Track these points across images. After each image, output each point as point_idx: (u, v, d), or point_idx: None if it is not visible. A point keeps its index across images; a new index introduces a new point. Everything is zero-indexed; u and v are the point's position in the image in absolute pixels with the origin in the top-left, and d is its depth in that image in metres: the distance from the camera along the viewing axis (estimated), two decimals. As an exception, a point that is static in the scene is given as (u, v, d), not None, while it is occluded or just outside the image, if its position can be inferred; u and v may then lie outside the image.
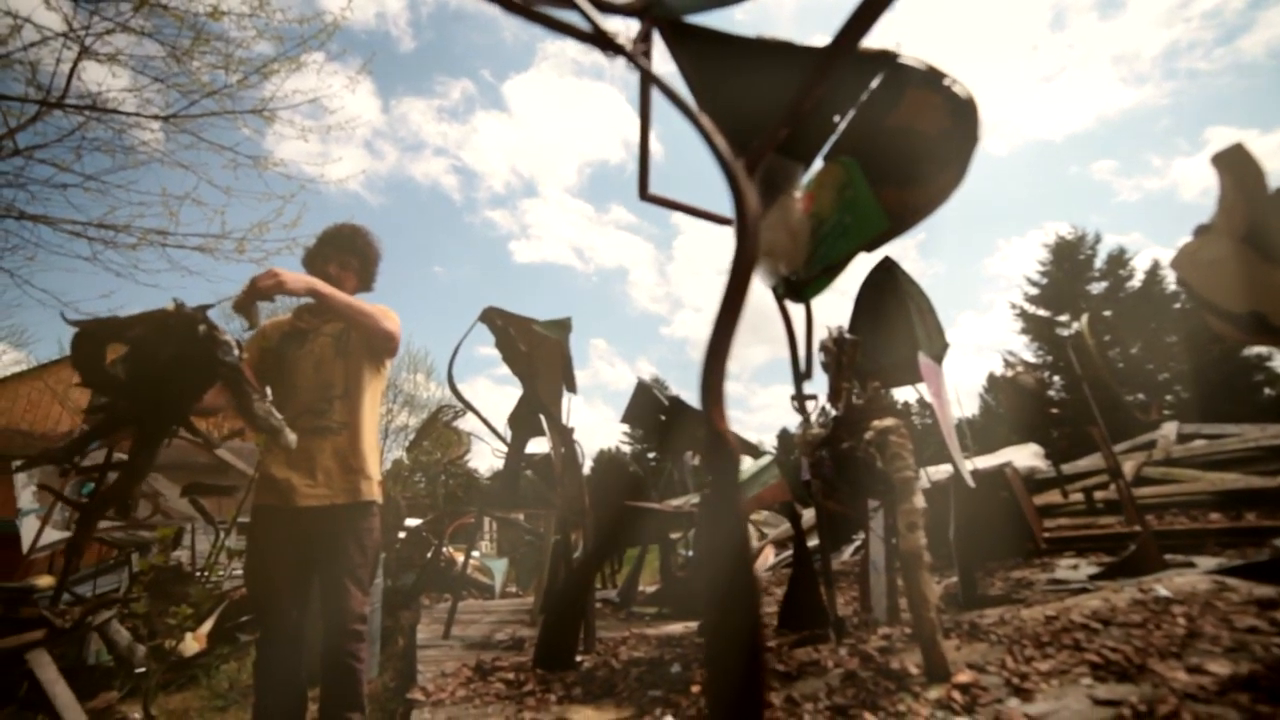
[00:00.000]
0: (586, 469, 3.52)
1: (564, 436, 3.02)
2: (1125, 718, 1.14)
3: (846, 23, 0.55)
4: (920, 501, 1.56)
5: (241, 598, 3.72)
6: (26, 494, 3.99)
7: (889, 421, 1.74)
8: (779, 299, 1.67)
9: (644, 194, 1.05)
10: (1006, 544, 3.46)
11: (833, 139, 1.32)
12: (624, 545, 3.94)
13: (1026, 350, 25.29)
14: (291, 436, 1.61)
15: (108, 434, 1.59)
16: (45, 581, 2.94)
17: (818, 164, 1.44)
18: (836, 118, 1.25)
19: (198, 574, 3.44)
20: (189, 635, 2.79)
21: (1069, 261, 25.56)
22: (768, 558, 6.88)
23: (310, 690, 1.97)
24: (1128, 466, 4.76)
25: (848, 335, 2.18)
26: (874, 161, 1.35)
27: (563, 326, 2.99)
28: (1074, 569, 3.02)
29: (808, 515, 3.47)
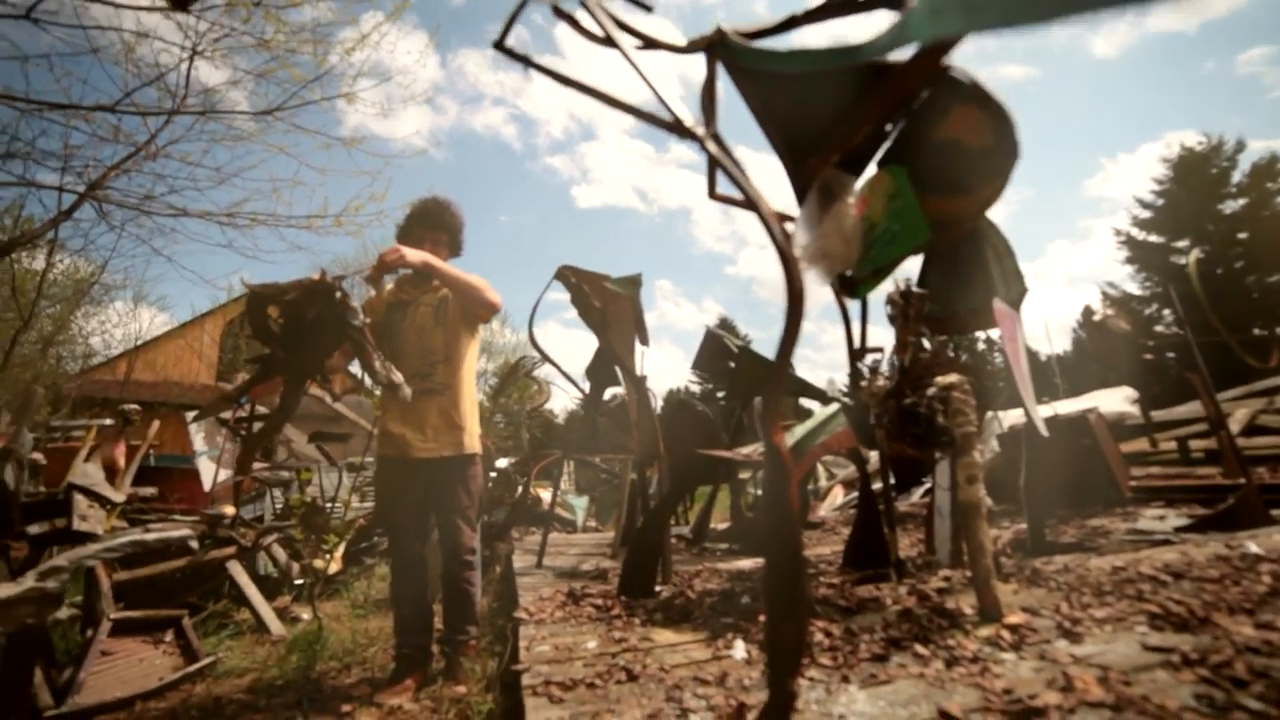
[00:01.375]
0: (657, 410, 3.70)
1: (638, 386, 3.20)
2: (1173, 664, 1.17)
3: (904, 67, 0.62)
4: (979, 456, 1.62)
5: (362, 527, 4.32)
6: (199, 438, 4.79)
7: (952, 378, 1.77)
8: (836, 292, 1.74)
9: (712, 194, 1.13)
10: (1086, 492, 3.38)
11: (885, 145, 1.34)
12: (696, 485, 4.16)
13: (1131, 282, 22.39)
14: (407, 390, 1.87)
15: (264, 380, 1.90)
16: (229, 510, 3.60)
17: (872, 167, 1.47)
18: (889, 126, 1.27)
19: (328, 507, 4.03)
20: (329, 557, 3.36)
21: (1195, 177, 21.78)
22: (836, 497, 7.00)
23: (434, 606, 2.35)
24: (1240, 414, 4.41)
25: (915, 289, 2.18)
26: (921, 170, 1.37)
27: (633, 283, 3.11)
28: (1160, 520, 2.92)
29: (874, 460, 3.52)
